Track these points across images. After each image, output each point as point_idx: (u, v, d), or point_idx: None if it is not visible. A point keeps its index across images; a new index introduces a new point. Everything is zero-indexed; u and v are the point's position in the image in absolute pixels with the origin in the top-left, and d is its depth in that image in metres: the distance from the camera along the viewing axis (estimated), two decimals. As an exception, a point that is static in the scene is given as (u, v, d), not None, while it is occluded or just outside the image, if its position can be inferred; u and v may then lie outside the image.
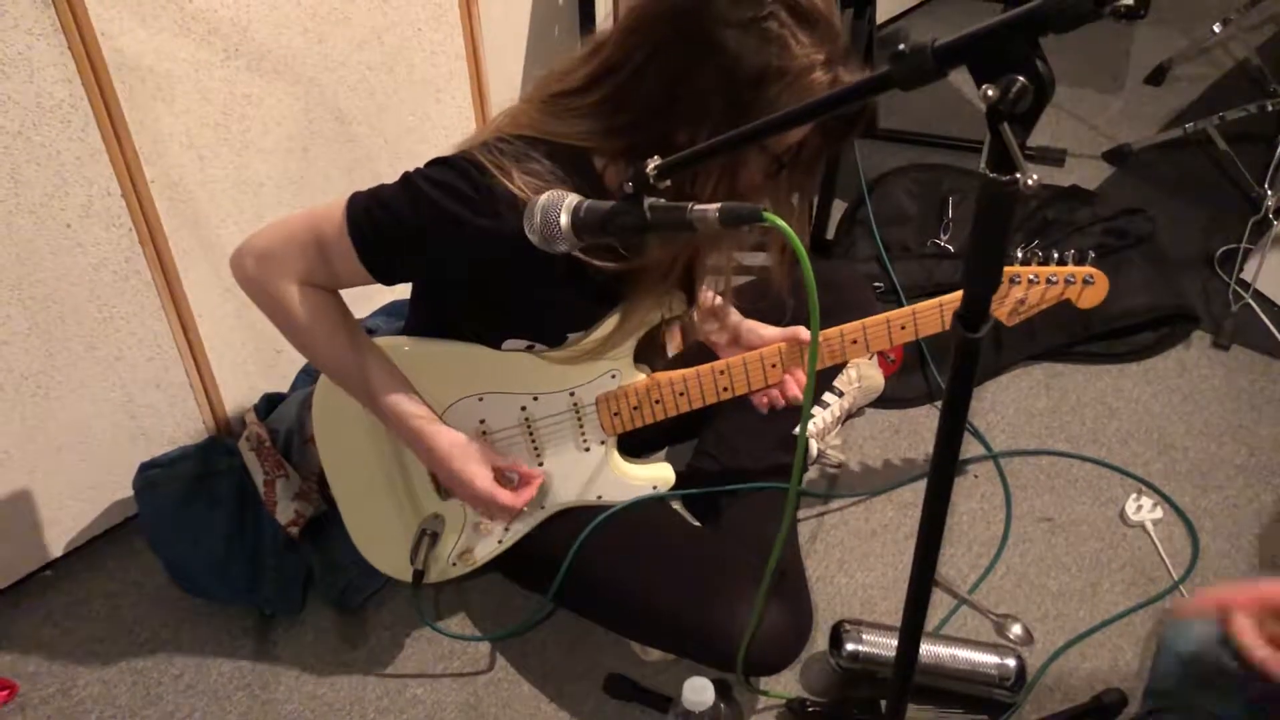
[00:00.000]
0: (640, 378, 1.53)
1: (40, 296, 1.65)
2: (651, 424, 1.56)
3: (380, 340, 1.49)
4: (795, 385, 1.60)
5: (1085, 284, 1.59)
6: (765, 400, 1.62)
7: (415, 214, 1.30)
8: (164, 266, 1.77)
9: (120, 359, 1.79)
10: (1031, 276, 1.59)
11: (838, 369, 1.99)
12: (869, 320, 1.54)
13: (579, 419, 1.54)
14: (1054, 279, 1.59)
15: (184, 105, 1.70)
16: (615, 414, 1.53)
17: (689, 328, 1.60)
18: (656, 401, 1.53)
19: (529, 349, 1.49)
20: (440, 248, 1.33)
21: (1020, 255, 1.57)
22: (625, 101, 1.27)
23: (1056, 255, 1.58)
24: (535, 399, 1.52)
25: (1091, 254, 1.59)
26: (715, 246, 1.49)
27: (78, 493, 1.85)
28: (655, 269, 1.41)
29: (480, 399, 1.52)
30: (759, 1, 1.19)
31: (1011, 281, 1.58)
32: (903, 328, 1.55)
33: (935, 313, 1.56)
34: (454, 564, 1.62)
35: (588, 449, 1.57)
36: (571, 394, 1.52)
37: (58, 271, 1.65)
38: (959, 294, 1.53)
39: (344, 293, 1.43)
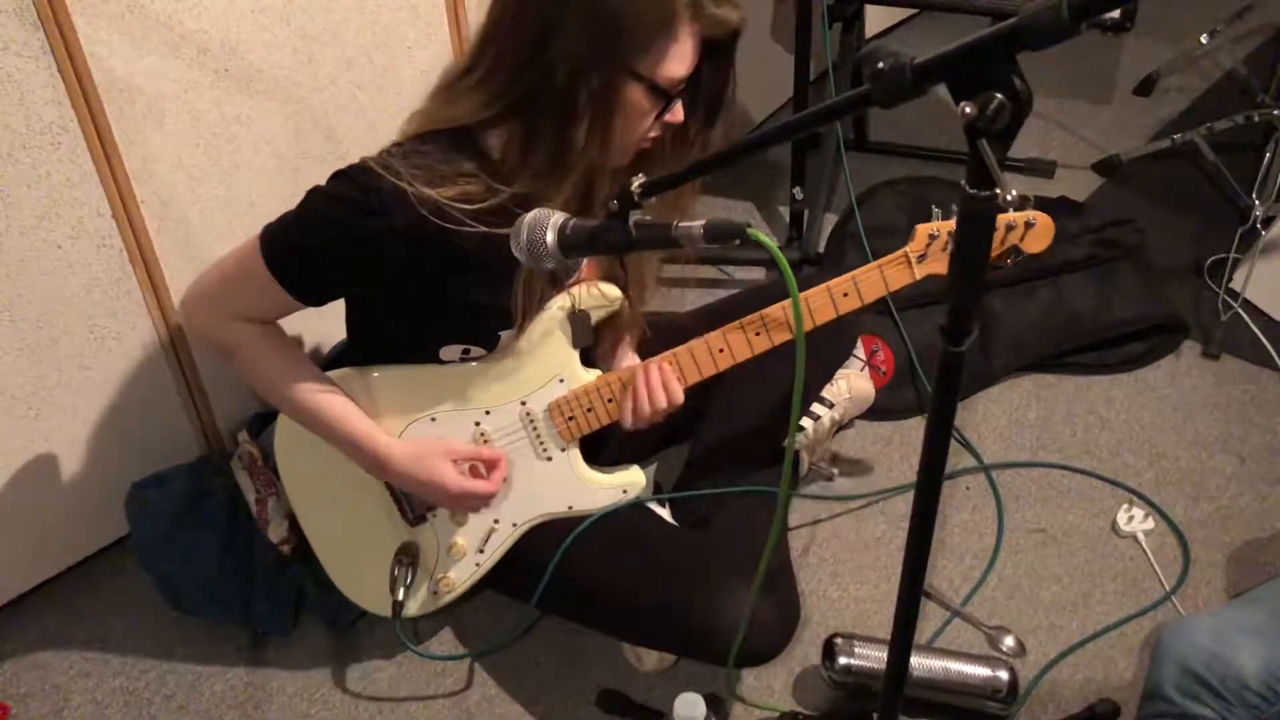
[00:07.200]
0: (590, 379, 1.53)
1: (31, 318, 1.65)
2: (610, 425, 1.55)
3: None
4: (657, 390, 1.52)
5: (1028, 227, 1.54)
6: (631, 418, 1.53)
7: (314, 229, 1.36)
8: (155, 287, 1.77)
9: (111, 379, 1.79)
10: None
11: (826, 379, 1.98)
12: (810, 292, 1.50)
13: (535, 429, 1.54)
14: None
15: (174, 126, 1.70)
16: (570, 419, 1.53)
17: (629, 322, 1.61)
18: (609, 400, 1.52)
19: (465, 354, 1.50)
20: (344, 257, 1.37)
21: (956, 210, 1.54)
22: (501, 64, 1.30)
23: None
24: (487, 413, 1.53)
25: (1030, 199, 1.55)
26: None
27: (69, 513, 1.85)
28: None
29: (433, 419, 1.53)
30: None
31: (951, 236, 1.55)
32: (845, 295, 1.51)
33: (876, 276, 1.51)
34: (434, 592, 1.62)
35: (549, 459, 1.56)
36: (523, 403, 1.53)
37: (48, 292, 1.65)
38: (896, 254, 1.51)
39: (329, 319, 1.45)
